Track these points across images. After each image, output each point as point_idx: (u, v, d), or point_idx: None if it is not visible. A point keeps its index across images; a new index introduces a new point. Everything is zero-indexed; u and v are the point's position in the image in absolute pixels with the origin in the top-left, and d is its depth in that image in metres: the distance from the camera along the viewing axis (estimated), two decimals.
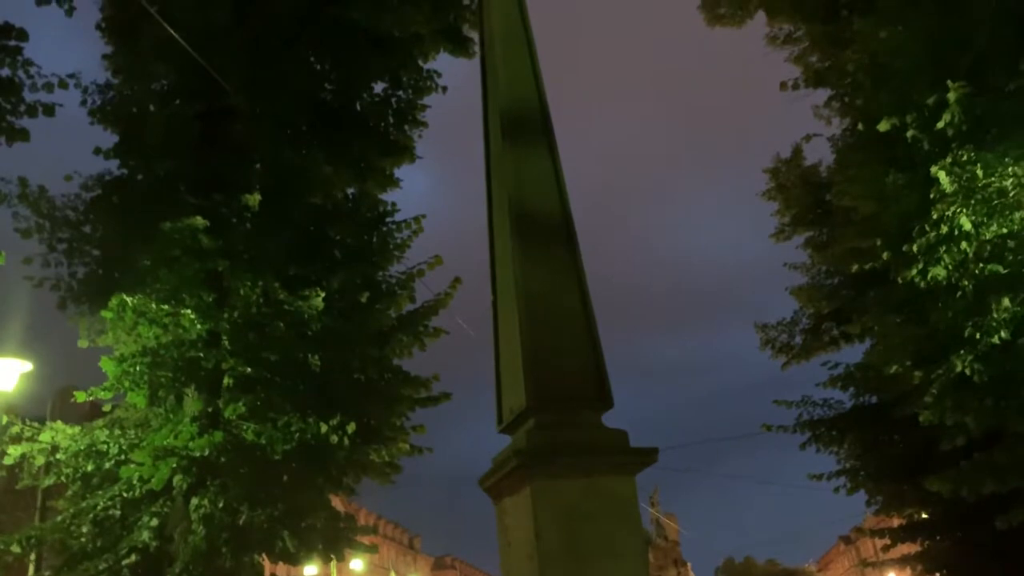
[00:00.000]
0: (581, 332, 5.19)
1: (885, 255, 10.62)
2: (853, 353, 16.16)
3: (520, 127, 5.73)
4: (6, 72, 9.24)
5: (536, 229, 5.44)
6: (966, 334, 9.65)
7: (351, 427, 9.58)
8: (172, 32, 9.52)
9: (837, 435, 14.70)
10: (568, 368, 5.10)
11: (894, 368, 10.78)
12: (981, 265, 9.66)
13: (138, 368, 9.58)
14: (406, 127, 12.55)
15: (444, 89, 12.76)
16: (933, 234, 9.69)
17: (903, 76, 10.31)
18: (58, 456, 9.91)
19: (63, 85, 9.97)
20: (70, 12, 9.46)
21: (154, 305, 9.46)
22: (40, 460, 10.00)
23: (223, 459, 9.21)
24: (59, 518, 9.93)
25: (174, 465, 9.23)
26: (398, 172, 12.54)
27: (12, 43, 9.08)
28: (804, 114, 14.99)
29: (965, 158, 9.50)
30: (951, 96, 9.48)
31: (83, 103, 11.19)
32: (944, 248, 9.80)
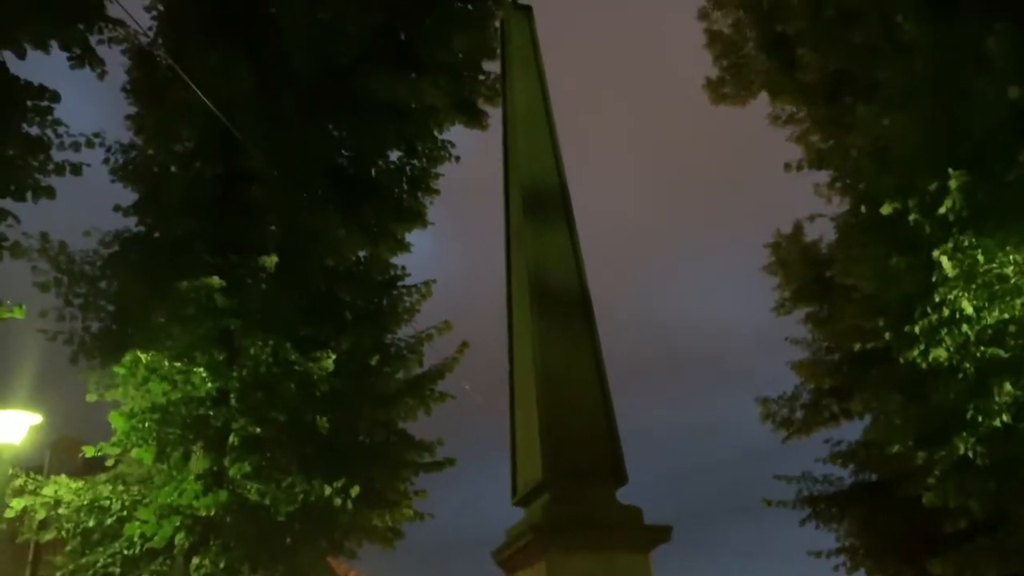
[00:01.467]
0: (597, 408, 5.32)
1: (887, 335, 10.78)
2: (852, 429, 16.18)
3: (540, 203, 5.95)
4: (36, 131, 9.55)
5: (555, 303, 5.60)
6: (968, 416, 9.76)
7: (355, 490, 9.61)
8: (201, 96, 9.83)
9: (837, 512, 14.65)
10: (584, 444, 5.20)
11: (896, 448, 10.85)
12: (983, 348, 9.82)
13: (147, 424, 9.63)
14: (419, 194, 12.84)
15: (458, 159, 13.10)
16: (935, 316, 9.87)
17: (905, 162, 10.62)
18: (60, 511, 9.89)
19: (90, 144, 10.23)
20: (102, 76, 9.78)
21: (167, 362, 9.57)
22: (41, 514, 9.96)
23: (228, 519, 9.21)
24: (57, 574, 9.86)
25: (178, 524, 9.22)
26: (408, 236, 12.80)
27: (44, 103, 9.41)
28: (804, 189, 15.27)
29: (966, 243, 9.74)
30: (952, 183, 9.76)
31: (106, 161, 11.47)
32: (946, 330, 9.97)
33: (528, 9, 6.82)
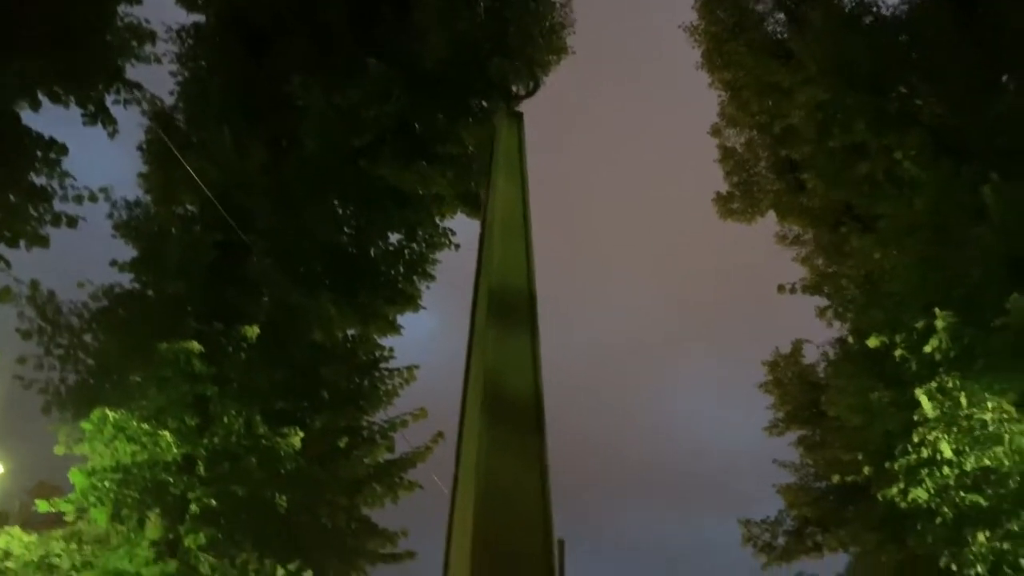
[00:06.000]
0: (537, 525, 5.19)
1: (866, 470, 10.59)
2: (837, 561, 15.74)
3: (506, 310, 5.96)
4: (42, 180, 9.80)
5: (507, 412, 5.55)
6: (942, 564, 9.49)
7: (308, 575, 9.39)
8: (199, 182, 10.07)
9: None
10: (517, 558, 5.07)
11: None
12: (962, 494, 9.61)
13: (106, 483, 9.51)
14: (415, 278, 12.91)
15: (457, 247, 13.22)
16: (915, 456, 9.71)
17: (895, 297, 10.63)
18: (8, 564, 9.69)
19: (93, 199, 10.51)
20: (112, 135, 10.11)
21: (135, 423, 9.52)
22: None
23: None
24: None
25: None
26: (414, 319, 12.84)
27: (53, 156, 9.68)
28: (809, 310, 15.20)
29: (950, 384, 9.66)
30: (939, 323, 9.75)
31: (110, 216, 11.66)
32: (926, 471, 9.79)
33: (519, 116, 6.97)
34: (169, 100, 12.59)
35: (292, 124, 12.04)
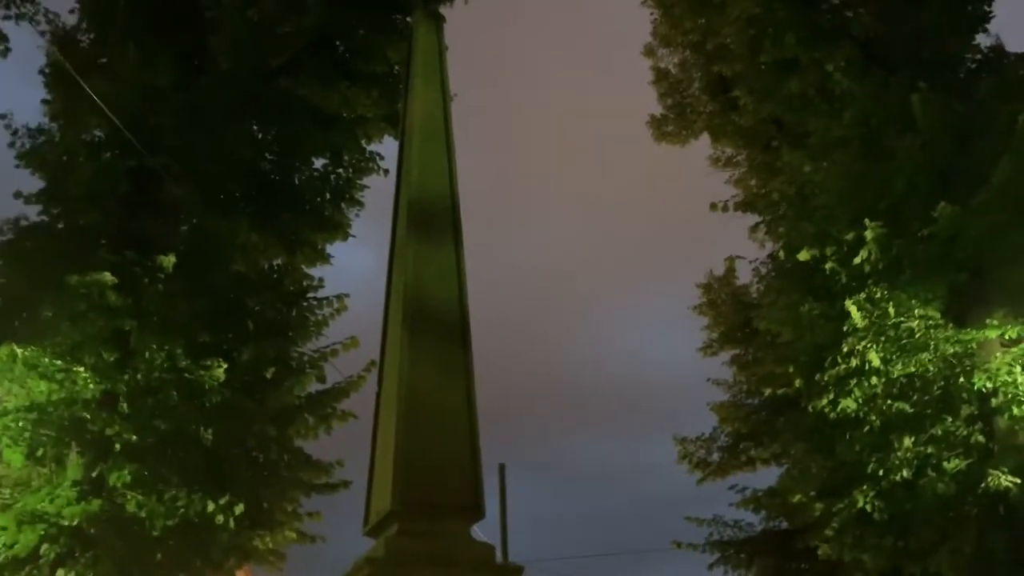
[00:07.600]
0: (462, 438, 5.04)
1: (797, 382, 10.74)
2: (770, 475, 16.14)
3: (427, 221, 5.69)
4: None
5: (430, 324, 5.33)
6: (869, 470, 9.71)
7: (239, 508, 9.19)
8: (97, 99, 9.47)
9: (745, 558, 14.51)
10: (442, 474, 4.92)
11: (797, 497, 10.77)
12: (889, 402, 9.80)
13: (20, 423, 9.09)
14: (343, 205, 12.48)
15: (386, 172, 12.78)
16: (844, 367, 9.85)
17: (825, 210, 10.65)
18: None
19: None
20: (4, 53, 9.43)
21: (47, 359, 9.07)
22: None
23: (93, 531, 8.71)
24: None
25: (42, 532, 8.70)
26: (340, 250, 12.42)
27: None
28: (742, 233, 15.24)
29: (879, 295, 9.77)
30: (868, 234, 9.81)
31: (11, 145, 10.99)
32: (855, 381, 9.94)
33: (438, 17, 6.58)
34: (71, 20, 11.85)
35: (204, 40, 11.38)
